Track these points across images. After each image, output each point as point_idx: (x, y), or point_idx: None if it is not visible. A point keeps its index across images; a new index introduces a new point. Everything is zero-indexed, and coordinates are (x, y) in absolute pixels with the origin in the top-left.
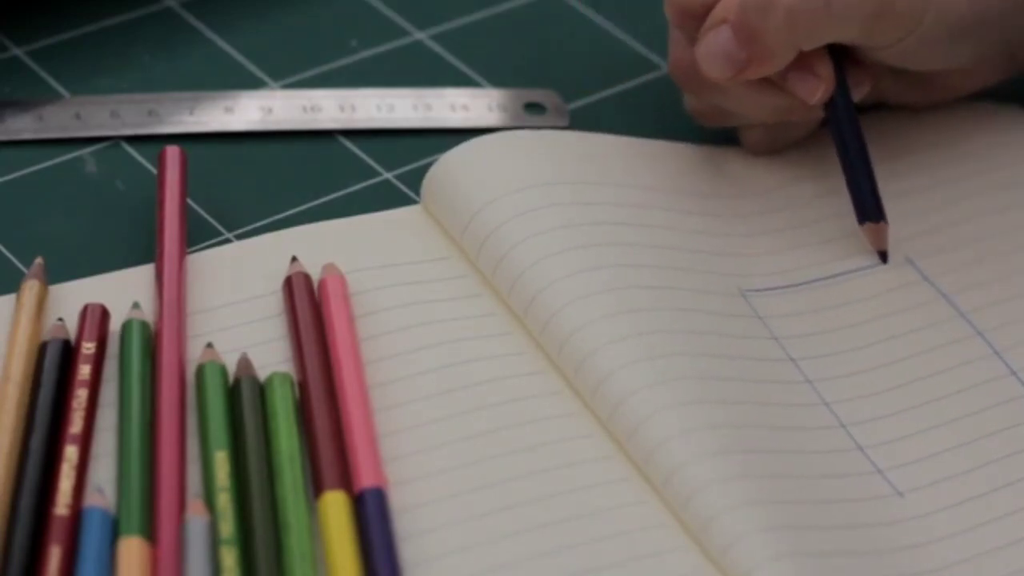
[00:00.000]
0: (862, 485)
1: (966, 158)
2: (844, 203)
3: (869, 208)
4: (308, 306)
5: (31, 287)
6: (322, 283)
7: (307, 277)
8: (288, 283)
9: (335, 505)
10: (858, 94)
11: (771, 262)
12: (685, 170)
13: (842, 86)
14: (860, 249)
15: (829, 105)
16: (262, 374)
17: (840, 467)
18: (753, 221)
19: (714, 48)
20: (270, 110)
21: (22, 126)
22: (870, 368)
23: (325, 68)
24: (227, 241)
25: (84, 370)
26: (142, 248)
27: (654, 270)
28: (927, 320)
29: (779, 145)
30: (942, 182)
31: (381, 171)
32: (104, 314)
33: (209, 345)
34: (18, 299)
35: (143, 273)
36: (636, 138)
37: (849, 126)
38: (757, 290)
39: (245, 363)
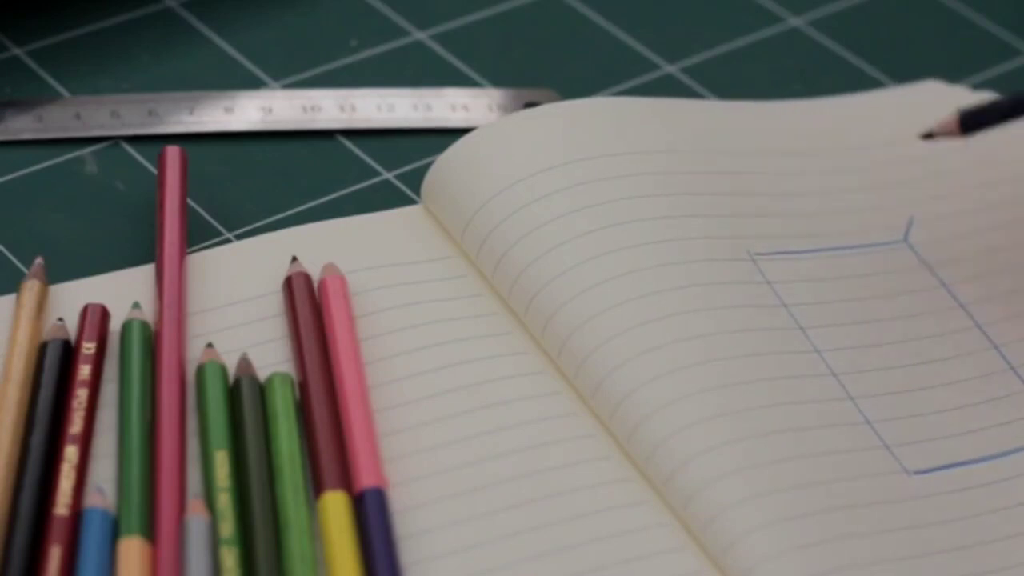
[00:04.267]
0: (869, 460)
1: (967, 150)
2: (867, 178)
3: (974, 117)
4: (308, 306)
5: (31, 287)
6: (322, 283)
7: (307, 277)
8: (288, 283)
9: (335, 505)
10: None
11: (783, 226)
12: (691, 129)
13: None
14: (877, 225)
15: None
16: (262, 374)
17: (847, 441)
18: (768, 182)
19: None
20: (270, 110)
21: (22, 126)
22: (879, 344)
23: (325, 68)
24: (227, 241)
25: (84, 370)
26: (142, 248)
27: (654, 246)
28: (933, 306)
29: None
30: (945, 172)
31: (381, 171)
32: (104, 314)
33: (209, 345)
34: (18, 299)
35: (143, 273)
36: (640, 97)
37: None
38: (766, 254)
39: (245, 363)
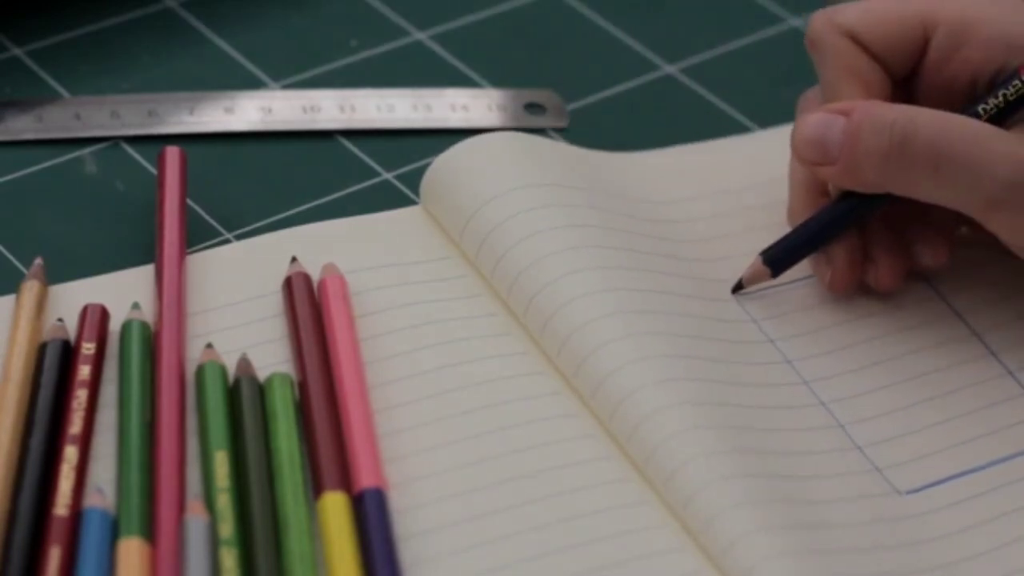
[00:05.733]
0: (861, 483)
1: None
2: None
3: (780, 258)
4: (308, 306)
5: (31, 287)
6: (322, 283)
7: (307, 277)
8: (288, 283)
9: (335, 506)
10: (934, 263)
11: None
12: (667, 178)
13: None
14: None
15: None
16: (262, 374)
17: (839, 466)
18: (739, 218)
19: (817, 132)
20: (270, 110)
21: (22, 126)
22: (865, 366)
23: (325, 68)
24: (227, 241)
25: (84, 370)
26: (142, 248)
27: (650, 274)
28: (921, 319)
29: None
30: None
31: (381, 171)
32: (104, 314)
33: (209, 345)
34: (18, 299)
35: (143, 273)
36: (615, 153)
37: (846, 214)
38: (748, 293)
39: (245, 363)
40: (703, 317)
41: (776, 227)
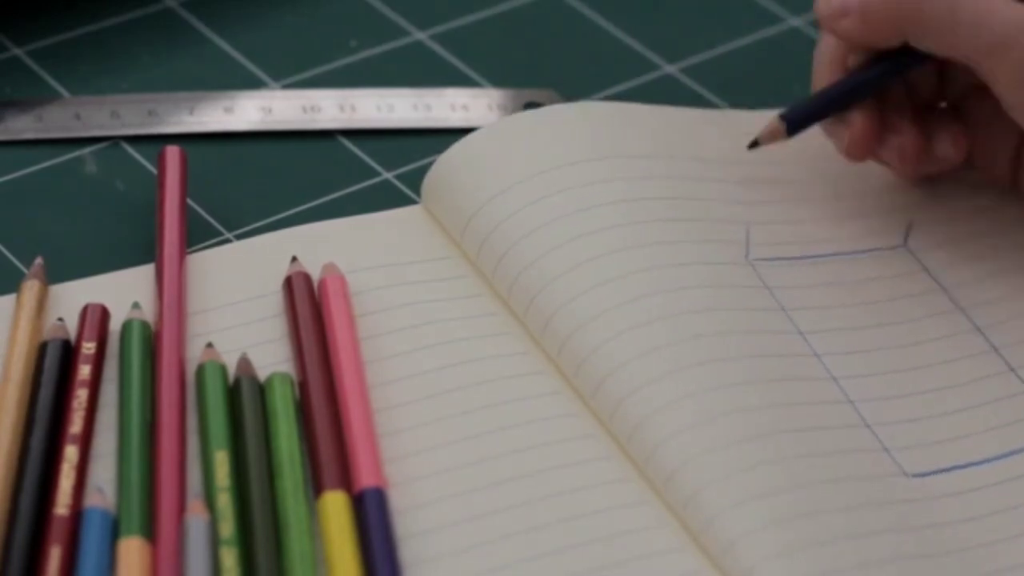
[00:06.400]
0: (869, 462)
1: None
2: (867, 184)
3: (797, 118)
4: (308, 306)
5: (31, 287)
6: (322, 283)
7: (307, 277)
8: (288, 283)
9: (335, 505)
10: (953, 153)
11: (782, 232)
12: (691, 135)
13: (891, 63)
14: (876, 230)
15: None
16: (262, 374)
17: (847, 443)
18: (768, 189)
19: None
20: (270, 110)
21: (22, 126)
22: (877, 348)
23: (325, 68)
24: (227, 241)
25: (84, 370)
26: (142, 248)
27: (654, 247)
28: (932, 310)
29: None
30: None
31: (381, 171)
32: (104, 314)
33: (209, 345)
34: (18, 299)
35: (143, 273)
36: (637, 104)
37: (865, 80)
38: (765, 259)
39: (245, 363)
40: (711, 286)
41: (794, 203)
